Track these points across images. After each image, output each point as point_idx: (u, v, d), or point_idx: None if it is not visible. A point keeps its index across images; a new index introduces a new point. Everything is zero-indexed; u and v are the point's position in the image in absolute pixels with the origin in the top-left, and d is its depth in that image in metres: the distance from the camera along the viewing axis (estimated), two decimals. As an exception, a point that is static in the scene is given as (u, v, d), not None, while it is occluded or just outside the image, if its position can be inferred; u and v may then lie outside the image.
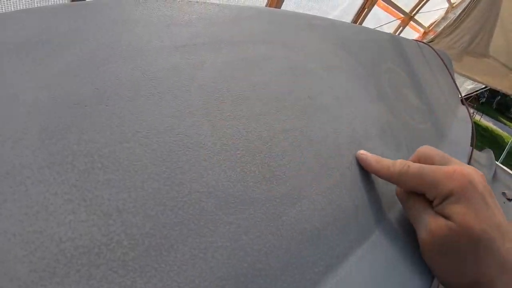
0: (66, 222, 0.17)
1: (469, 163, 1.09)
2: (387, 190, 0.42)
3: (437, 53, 1.36)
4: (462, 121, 1.28)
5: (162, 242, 0.20)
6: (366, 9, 3.03)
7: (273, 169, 0.30)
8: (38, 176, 0.18)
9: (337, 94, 0.48)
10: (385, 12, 3.43)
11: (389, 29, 3.79)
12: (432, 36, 3.95)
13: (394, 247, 0.33)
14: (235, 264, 0.22)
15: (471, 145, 1.16)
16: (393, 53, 0.94)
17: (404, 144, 0.59)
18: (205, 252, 0.21)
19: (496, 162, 2.80)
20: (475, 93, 5.49)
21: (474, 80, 4.15)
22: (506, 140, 7.83)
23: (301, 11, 2.54)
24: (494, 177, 2.31)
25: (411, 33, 4.46)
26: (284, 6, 2.33)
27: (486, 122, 13.13)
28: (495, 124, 13.37)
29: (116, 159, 0.21)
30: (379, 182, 0.41)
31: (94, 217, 0.18)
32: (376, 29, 3.21)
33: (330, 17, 2.69)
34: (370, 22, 3.31)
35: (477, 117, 12.91)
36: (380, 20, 3.46)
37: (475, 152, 2.66)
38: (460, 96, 1.30)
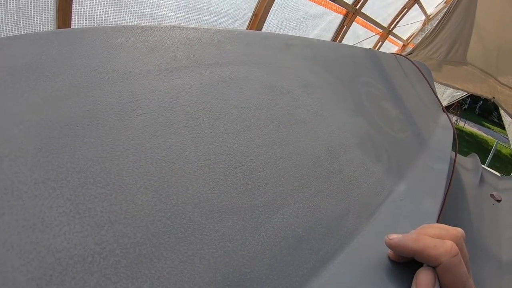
0: (62, 233, 0.19)
1: (453, 167, 1.13)
2: (365, 198, 0.44)
3: (414, 64, 1.41)
4: (444, 128, 1.33)
5: (152, 250, 0.21)
6: (345, 27, 3.14)
7: (254, 180, 0.31)
8: (35, 191, 0.20)
9: (315, 109, 0.51)
10: (364, 28, 3.56)
11: (369, 44, 3.92)
12: (411, 49, 4.09)
13: (374, 253, 0.35)
14: (222, 269, 0.24)
15: (454, 150, 1.20)
16: (371, 67, 0.99)
17: (385, 153, 0.62)
18: (193, 258, 0.23)
19: (483, 165, 2.88)
20: (457, 100, 5.64)
21: (455, 88, 4.28)
22: (491, 144, 8.03)
23: (281, 31, 2.61)
24: (481, 180, 2.37)
25: (390, 47, 4.61)
26: (265, 28, 2.40)
27: (470, 127, 13.45)
28: (479, 129, 13.71)
29: (107, 175, 0.23)
30: (358, 191, 0.44)
31: (88, 227, 0.20)
32: (355, 45, 3.31)
33: (310, 36, 2.77)
34: (350, 39, 3.43)
35: (461, 123, 13.24)
36: (359, 36, 3.58)
37: (462, 157, 2.75)
38: (440, 105, 1.34)
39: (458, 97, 5.17)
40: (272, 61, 0.53)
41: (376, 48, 4.05)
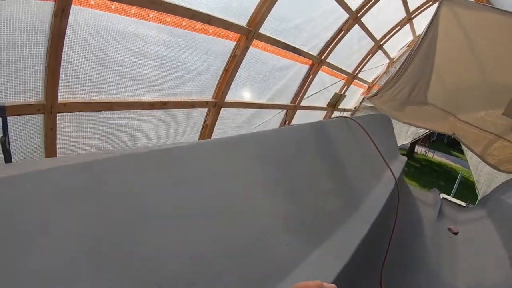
0: None
1: (396, 219, 1.24)
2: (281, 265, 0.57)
3: (360, 125, 1.55)
4: (385, 183, 1.45)
5: None
6: (311, 75, 3.38)
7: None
8: None
9: (252, 203, 0.64)
10: (330, 76, 3.83)
11: (335, 89, 4.18)
12: (376, 90, 4.37)
13: None
14: None
15: (398, 201, 1.33)
16: (315, 141, 1.11)
17: (309, 225, 0.74)
18: None
19: (445, 196, 3.06)
20: (421, 136, 5.97)
21: (418, 126, 4.54)
22: (458, 172, 8.44)
23: (251, 83, 2.78)
24: (440, 213, 2.51)
25: (356, 90, 4.93)
26: (236, 79, 2.55)
27: (439, 158, 14.06)
28: (447, 159, 14.34)
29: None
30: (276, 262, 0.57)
31: None
32: (321, 90, 3.50)
33: (277, 86, 2.91)
34: (317, 85, 3.66)
35: (430, 154, 13.83)
36: (326, 82, 3.83)
37: (423, 193, 2.91)
38: (384, 161, 1.48)
39: (421, 134, 5.50)
40: (221, 166, 0.65)
41: (343, 91, 4.31)
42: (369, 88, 5.14)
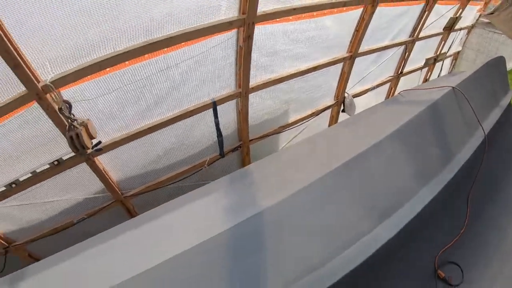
0: None
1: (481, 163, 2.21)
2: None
3: (464, 96, 2.33)
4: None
5: None
6: (427, 12, 3.81)
7: None
8: None
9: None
10: (443, 5, 4.13)
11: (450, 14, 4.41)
12: (494, 7, 4.43)
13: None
14: None
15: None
16: (430, 121, 2.05)
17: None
18: None
19: None
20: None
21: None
22: None
23: (377, 32, 3.53)
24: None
25: (473, 8, 4.92)
26: (368, 34, 3.32)
27: None
28: None
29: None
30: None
31: None
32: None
33: (396, 30, 3.56)
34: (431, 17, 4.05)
35: None
36: (439, 12, 4.16)
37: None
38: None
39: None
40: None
41: (457, 14, 4.49)
42: (486, 4, 5.03)
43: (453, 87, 2.88)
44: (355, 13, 3.16)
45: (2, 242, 2.69)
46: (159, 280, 1.71)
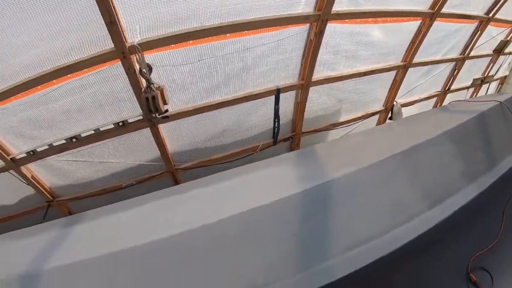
0: None
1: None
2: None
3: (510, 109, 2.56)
4: None
5: None
6: (479, 32, 4.00)
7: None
8: None
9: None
10: (495, 27, 4.29)
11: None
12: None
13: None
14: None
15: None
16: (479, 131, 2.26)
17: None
18: None
19: None
20: None
21: None
22: None
23: (428, 46, 3.77)
24: None
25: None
26: (423, 46, 3.55)
27: None
28: None
29: None
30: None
31: None
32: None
33: (449, 46, 3.77)
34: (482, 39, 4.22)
35: None
36: (490, 33, 4.32)
37: None
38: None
39: None
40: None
41: (508, 38, 4.63)
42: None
43: (500, 102, 3.06)
44: (413, 24, 3.40)
45: (48, 195, 2.84)
46: (231, 230, 1.98)
